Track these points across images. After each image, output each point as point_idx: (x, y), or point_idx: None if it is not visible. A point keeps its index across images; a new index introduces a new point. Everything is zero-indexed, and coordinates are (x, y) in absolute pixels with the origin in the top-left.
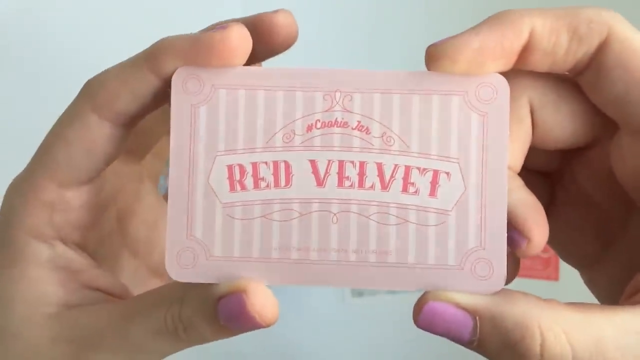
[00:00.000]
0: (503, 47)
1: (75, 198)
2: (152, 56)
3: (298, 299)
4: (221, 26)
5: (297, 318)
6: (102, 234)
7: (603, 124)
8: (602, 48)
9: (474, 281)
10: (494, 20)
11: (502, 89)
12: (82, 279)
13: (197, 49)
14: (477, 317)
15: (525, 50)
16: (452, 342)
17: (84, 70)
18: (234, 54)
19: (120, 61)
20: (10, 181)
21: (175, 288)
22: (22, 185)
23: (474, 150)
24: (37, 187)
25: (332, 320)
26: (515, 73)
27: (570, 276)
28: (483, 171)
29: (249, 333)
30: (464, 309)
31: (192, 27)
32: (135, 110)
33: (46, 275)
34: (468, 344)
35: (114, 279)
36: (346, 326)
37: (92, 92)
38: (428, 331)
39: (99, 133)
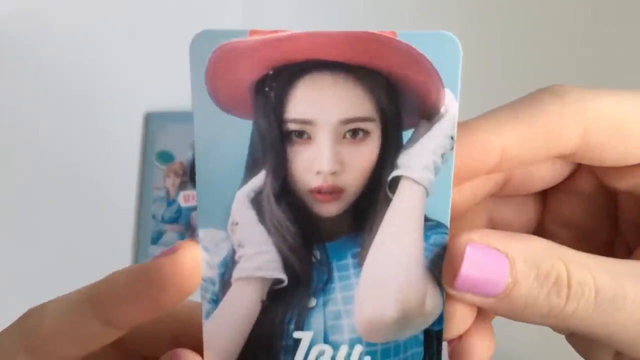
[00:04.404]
0: (468, 169)
1: None
2: (98, 304)
3: None
4: (168, 250)
5: None
6: None
7: (569, 165)
8: (586, 137)
9: None
10: (463, 140)
11: None
12: None
13: (147, 285)
14: (509, 257)
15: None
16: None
17: (84, 70)
18: (190, 281)
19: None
20: (10, 183)
21: None
22: None
23: None
24: None
25: None
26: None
27: None
28: None
29: None
30: (497, 249)
31: (193, 27)
32: (75, 354)
33: None
34: (503, 292)
35: None
36: None
37: (27, 329)
38: (469, 284)
39: None
